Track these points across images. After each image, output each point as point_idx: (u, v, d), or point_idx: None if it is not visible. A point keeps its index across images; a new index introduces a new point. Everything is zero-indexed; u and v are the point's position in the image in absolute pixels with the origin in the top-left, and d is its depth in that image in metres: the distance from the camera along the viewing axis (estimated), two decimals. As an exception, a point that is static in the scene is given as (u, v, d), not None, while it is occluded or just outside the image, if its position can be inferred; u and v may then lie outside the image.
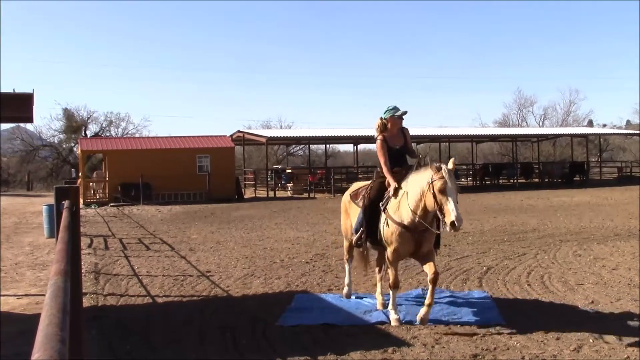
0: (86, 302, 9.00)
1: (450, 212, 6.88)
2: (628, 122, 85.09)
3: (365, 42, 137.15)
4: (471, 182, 48.18)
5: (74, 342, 3.90)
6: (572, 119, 75.58)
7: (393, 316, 7.73)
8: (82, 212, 21.75)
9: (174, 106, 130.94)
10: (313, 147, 61.48)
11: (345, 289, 9.28)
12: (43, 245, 16.29)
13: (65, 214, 4.56)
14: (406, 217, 7.53)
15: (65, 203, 4.89)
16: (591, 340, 6.81)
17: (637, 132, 58.92)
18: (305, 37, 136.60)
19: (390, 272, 7.86)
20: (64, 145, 62.18)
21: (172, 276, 11.57)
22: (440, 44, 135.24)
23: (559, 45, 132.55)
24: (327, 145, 57.25)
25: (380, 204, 7.95)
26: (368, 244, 8.36)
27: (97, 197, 35.50)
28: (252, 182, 43.52)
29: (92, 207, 31.79)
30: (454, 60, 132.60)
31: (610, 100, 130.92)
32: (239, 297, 9.77)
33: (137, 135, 59.74)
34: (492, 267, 11.62)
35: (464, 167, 53.87)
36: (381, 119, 8.27)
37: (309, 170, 44.51)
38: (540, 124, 75.88)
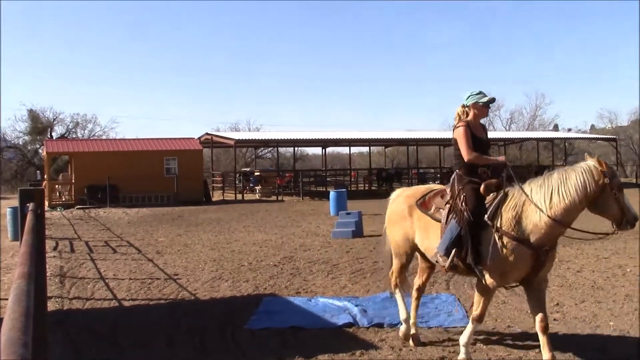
0: (51, 305, 8.86)
1: (630, 208, 5.91)
2: (592, 126, 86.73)
3: (333, 44, 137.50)
4: (439, 185, 48.54)
5: (38, 346, 3.84)
6: (538, 123, 76.58)
7: (462, 356, 6.30)
8: (47, 214, 21.42)
9: (142, 108, 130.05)
10: (282, 149, 61.41)
11: (403, 326, 7.18)
12: (7, 248, 16.01)
13: (29, 217, 4.48)
14: (535, 231, 6.01)
15: (30, 205, 4.81)
16: (557, 342, 6.89)
17: (602, 136, 59.93)
18: (275, 39, 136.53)
19: (484, 301, 6.31)
20: (29, 147, 61.41)
21: (139, 279, 11.44)
22: (408, 46, 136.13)
23: (526, 49, 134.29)
24: (296, 148, 57.27)
25: (486, 217, 6.21)
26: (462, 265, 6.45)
27: (63, 199, 34.96)
28: (220, 185, 43.34)
29: (58, 209, 31.34)
30: (421, 63, 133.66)
31: (575, 105, 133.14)
32: (207, 300, 9.69)
33: (104, 137, 59.23)
34: (459, 269, 11.66)
35: (432, 170, 54.51)
36: (463, 105, 6.84)
37: (277, 173, 44.37)
38: (507, 127, 76.71)
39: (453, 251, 6.28)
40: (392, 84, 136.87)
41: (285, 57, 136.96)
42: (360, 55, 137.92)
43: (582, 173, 5.93)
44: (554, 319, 7.95)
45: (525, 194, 6.13)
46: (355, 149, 64.46)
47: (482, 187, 6.35)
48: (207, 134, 44.45)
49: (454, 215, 6.38)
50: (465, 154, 6.48)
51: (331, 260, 13.12)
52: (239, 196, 39.68)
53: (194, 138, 40.92)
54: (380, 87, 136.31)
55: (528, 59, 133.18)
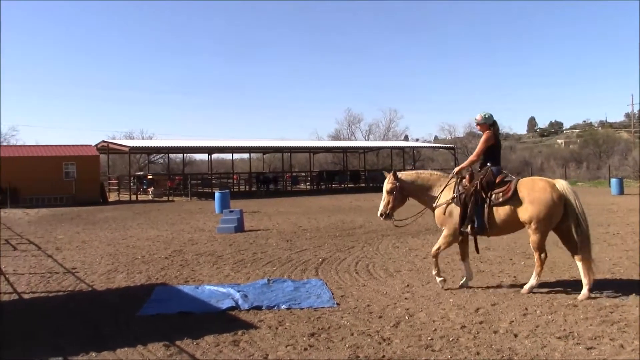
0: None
1: None
2: (436, 137, 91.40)
3: (219, 68, 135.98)
4: (309, 187, 49.12)
5: None
6: (391, 134, 79.19)
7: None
8: (-52, 215, 19.71)
9: (44, 118, 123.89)
10: (172, 156, 60.20)
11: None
12: None
13: None
14: None
15: None
16: (406, 317, 7.05)
17: (443, 145, 62.82)
18: (158, 56, 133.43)
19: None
20: None
21: (38, 274, 10.71)
22: (290, 68, 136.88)
23: (380, 71, 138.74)
24: (185, 155, 56.32)
25: None
26: None
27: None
28: (116, 187, 41.80)
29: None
30: (293, 82, 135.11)
31: (422, 119, 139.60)
32: (103, 290, 9.19)
33: (5, 143, 55.74)
34: (326, 258, 11.77)
35: (303, 173, 55.02)
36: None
37: (168, 176, 43.47)
38: (366, 138, 78.76)
39: None
40: (266, 99, 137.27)
41: (169, 73, 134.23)
42: (238, 75, 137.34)
43: None
44: (405, 298, 8.15)
45: None
46: (237, 156, 64.13)
47: None
48: (103, 141, 42.58)
49: None
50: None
51: (216, 252, 12.88)
52: (133, 197, 38.37)
53: (91, 145, 39.30)
54: (255, 103, 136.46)
55: (382, 80, 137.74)
